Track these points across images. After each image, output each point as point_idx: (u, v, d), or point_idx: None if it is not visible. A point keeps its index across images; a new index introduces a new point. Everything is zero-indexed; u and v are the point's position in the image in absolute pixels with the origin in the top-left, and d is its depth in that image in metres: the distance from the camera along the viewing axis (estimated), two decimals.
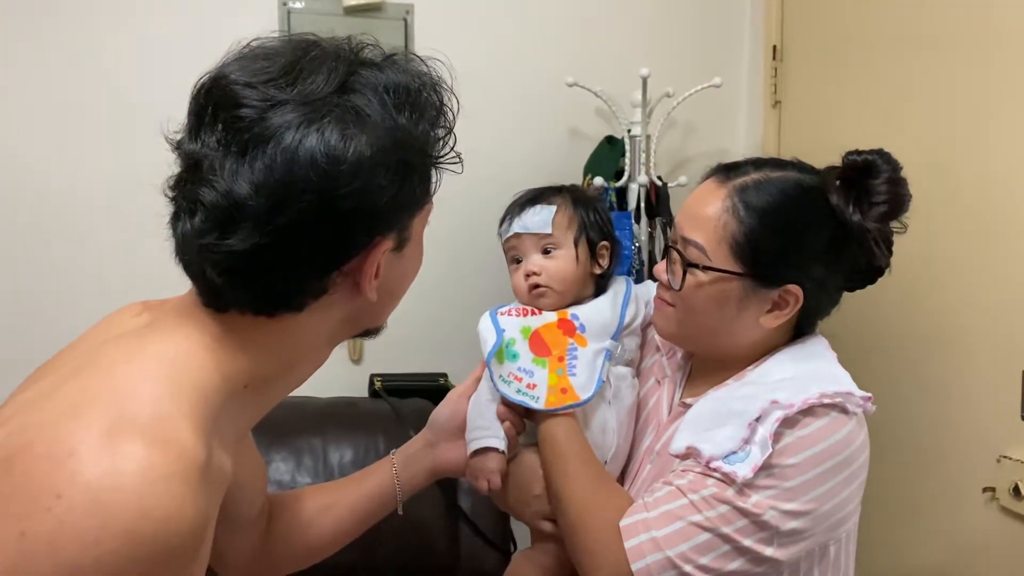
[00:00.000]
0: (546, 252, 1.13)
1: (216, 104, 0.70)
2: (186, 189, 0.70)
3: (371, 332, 0.86)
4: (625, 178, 1.72)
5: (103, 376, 0.68)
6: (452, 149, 0.80)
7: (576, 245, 1.13)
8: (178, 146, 0.72)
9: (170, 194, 0.72)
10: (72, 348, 0.79)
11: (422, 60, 0.79)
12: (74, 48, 1.63)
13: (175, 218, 0.72)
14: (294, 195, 0.67)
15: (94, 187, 1.64)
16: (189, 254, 0.71)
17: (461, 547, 1.58)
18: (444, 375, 1.79)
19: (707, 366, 1.08)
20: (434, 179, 0.80)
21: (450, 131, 0.80)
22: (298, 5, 1.71)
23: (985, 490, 1.31)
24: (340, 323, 0.80)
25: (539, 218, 1.13)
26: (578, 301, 1.14)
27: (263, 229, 0.67)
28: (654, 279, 1.11)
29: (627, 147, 1.72)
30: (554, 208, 1.14)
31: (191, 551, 0.63)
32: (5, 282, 1.64)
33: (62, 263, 1.66)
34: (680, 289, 1.01)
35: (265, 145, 0.67)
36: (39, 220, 1.65)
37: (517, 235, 1.14)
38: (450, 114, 0.80)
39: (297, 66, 0.71)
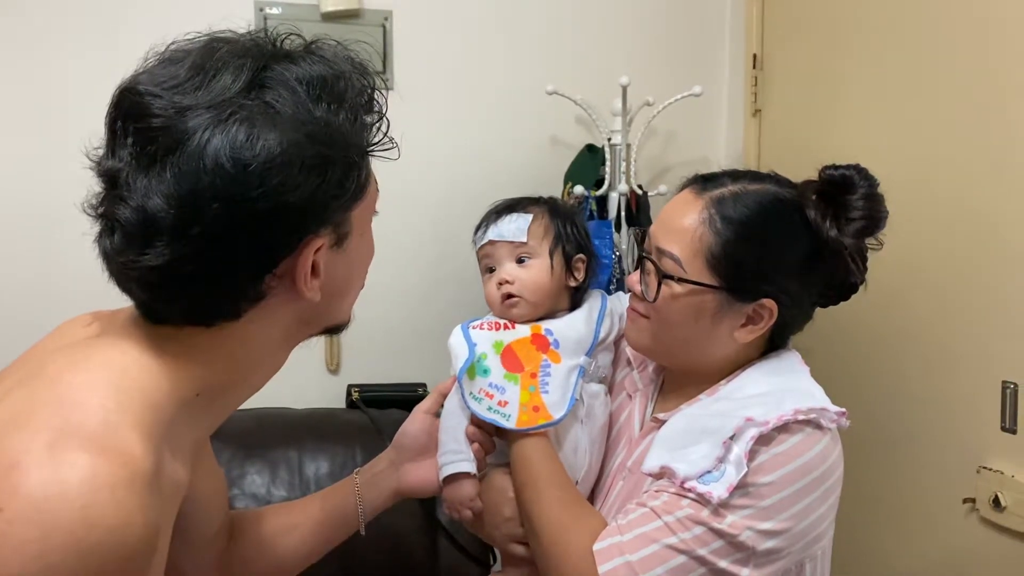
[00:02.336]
0: (520, 261, 1.11)
1: (125, 117, 0.68)
2: (105, 207, 0.69)
3: (334, 329, 0.84)
4: (605, 187, 1.71)
5: (48, 386, 0.66)
6: (386, 135, 0.77)
7: (551, 255, 1.11)
8: (97, 164, 0.70)
9: (92, 213, 0.70)
10: (21, 359, 0.78)
11: (345, 46, 0.76)
12: (50, 55, 1.61)
13: (99, 237, 0.70)
14: (204, 203, 0.65)
15: (66, 193, 1.61)
16: (113, 272, 0.70)
17: (440, 560, 1.56)
18: (423, 385, 1.77)
19: (679, 380, 1.07)
20: (366, 168, 0.77)
21: (381, 116, 0.77)
22: (275, 11, 1.70)
23: (965, 501, 1.31)
24: (291, 325, 0.78)
25: (514, 226, 1.11)
26: (552, 314, 1.12)
27: (179, 242, 0.66)
28: (627, 291, 1.09)
29: (607, 156, 1.71)
30: (530, 217, 1.12)
31: (141, 562, 0.61)
32: None
33: (41, 268, 1.64)
34: (654, 301, 1.00)
35: (173, 155, 0.65)
36: (18, 225, 1.62)
37: (491, 242, 1.12)
38: (379, 98, 0.77)
39: (204, 67, 0.69)
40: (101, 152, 0.71)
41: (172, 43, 0.73)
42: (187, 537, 0.73)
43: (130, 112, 0.68)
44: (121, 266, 0.68)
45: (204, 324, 0.72)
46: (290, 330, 0.78)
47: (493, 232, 1.12)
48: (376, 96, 0.77)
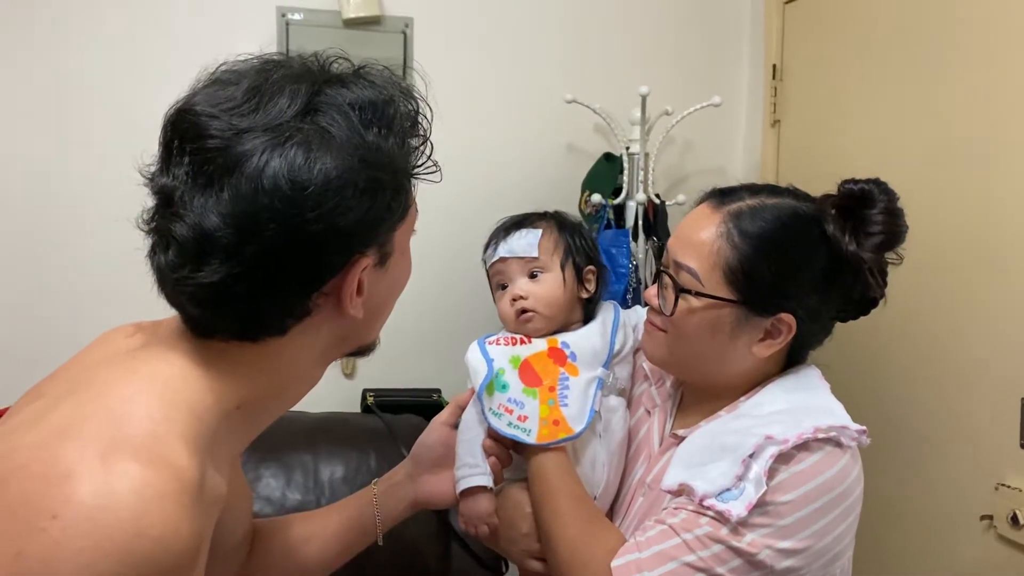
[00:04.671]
0: (532, 276, 1.11)
1: (182, 136, 0.69)
2: (159, 223, 0.70)
3: (363, 351, 0.85)
4: (623, 195, 1.71)
5: (97, 397, 0.68)
6: (429, 158, 0.79)
7: (563, 268, 1.11)
8: (151, 180, 0.71)
9: (145, 228, 0.72)
10: (65, 369, 0.79)
11: (391, 71, 0.78)
12: (78, 61, 1.64)
13: (152, 252, 0.71)
14: (261, 224, 0.67)
15: (97, 200, 1.64)
16: (166, 287, 0.71)
17: (452, 566, 1.56)
18: (438, 391, 1.78)
19: (698, 396, 1.06)
20: (411, 191, 0.79)
21: (425, 140, 0.79)
22: (297, 17, 1.71)
23: (983, 518, 1.30)
24: (330, 342, 0.79)
25: (524, 241, 1.12)
26: (566, 327, 1.12)
27: (234, 260, 0.67)
28: (644, 303, 1.09)
29: (625, 164, 1.71)
30: (540, 232, 1.12)
31: (186, 571, 0.62)
32: (9, 290, 1.64)
33: (65, 273, 1.66)
34: (672, 314, 0.99)
35: (230, 175, 0.67)
36: (44, 229, 1.65)
37: (503, 259, 1.12)
38: (424, 122, 0.78)
39: (260, 90, 0.70)
40: (154, 168, 0.72)
41: (222, 64, 0.74)
42: (213, 548, 0.74)
43: (187, 132, 0.69)
44: (175, 282, 0.69)
45: (251, 340, 0.73)
46: (328, 347, 0.80)
47: (503, 249, 1.13)
48: (420, 120, 0.78)
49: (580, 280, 1.13)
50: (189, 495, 0.63)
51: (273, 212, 0.66)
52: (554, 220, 1.16)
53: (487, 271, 1.17)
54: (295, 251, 0.68)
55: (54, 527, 0.57)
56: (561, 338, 1.10)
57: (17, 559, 0.57)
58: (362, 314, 0.76)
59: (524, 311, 1.10)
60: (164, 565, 0.60)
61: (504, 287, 1.13)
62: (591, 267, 1.14)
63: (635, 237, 1.69)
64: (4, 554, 0.57)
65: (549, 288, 1.10)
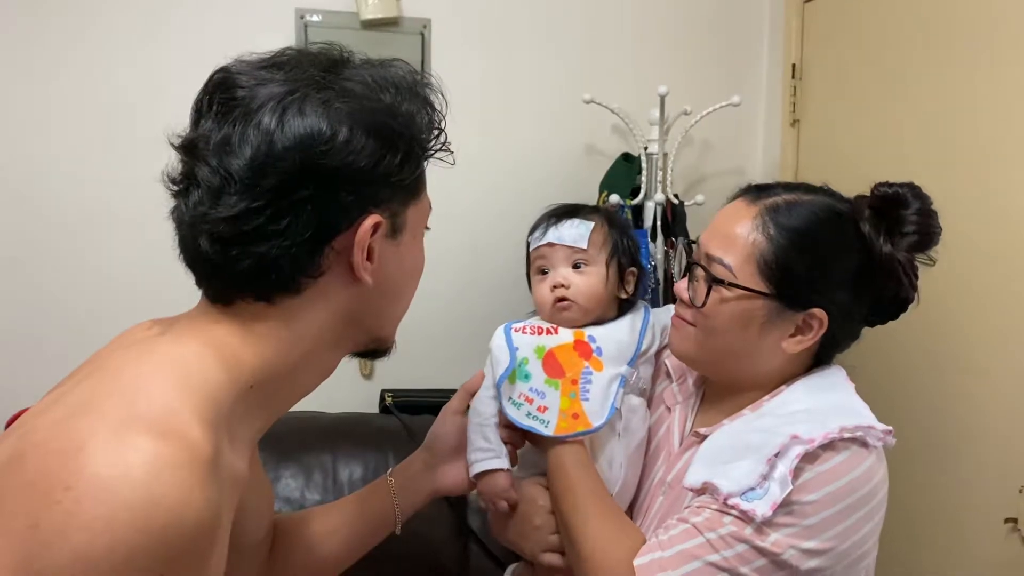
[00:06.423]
0: (576, 267, 1.11)
1: (213, 89, 0.75)
2: (184, 174, 0.74)
3: (379, 347, 0.86)
4: (641, 196, 1.70)
5: (111, 377, 0.69)
6: (443, 145, 0.82)
7: (607, 265, 1.11)
8: (180, 140, 0.76)
9: (171, 187, 0.76)
10: (87, 363, 0.80)
11: (407, 63, 0.82)
12: (98, 66, 1.65)
13: (175, 207, 0.75)
14: (278, 157, 0.71)
15: (117, 201, 1.66)
16: (184, 231, 0.74)
17: (470, 567, 1.56)
18: (455, 391, 1.77)
19: (720, 394, 1.06)
20: (423, 167, 0.82)
21: (438, 126, 0.82)
22: (315, 19, 1.71)
23: (1007, 521, 1.29)
24: (342, 319, 0.79)
25: (576, 232, 1.11)
26: (598, 323, 1.12)
27: (252, 193, 0.71)
28: (674, 299, 1.09)
29: (644, 165, 1.71)
30: (592, 224, 1.12)
31: (204, 544, 0.63)
32: (27, 291, 1.66)
33: (85, 274, 1.68)
34: (703, 306, 0.99)
35: (253, 115, 0.72)
36: (62, 232, 1.66)
37: (550, 244, 1.12)
38: (436, 106, 0.82)
39: (287, 56, 0.77)
40: (185, 134, 0.76)
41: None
42: (236, 547, 0.74)
43: (219, 84, 0.75)
44: (193, 220, 0.72)
45: (266, 298, 0.75)
46: (340, 325, 0.80)
47: (553, 235, 1.12)
48: (435, 117, 0.81)
49: (621, 280, 1.13)
50: (203, 466, 0.63)
51: (287, 147, 0.71)
52: (605, 216, 1.16)
53: (528, 253, 1.17)
54: (309, 188, 0.72)
55: (68, 498, 0.58)
56: (588, 331, 1.10)
57: (35, 530, 0.58)
58: (372, 282, 0.77)
59: (562, 299, 1.10)
60: (179, 535, 0.60)
61: (544, 272, 1.13)
62: (633, 268, 1.15)
63: (653, 238, 1.68)
64: (21, 526, 0.58)
65: (591, 282, 1.10)
